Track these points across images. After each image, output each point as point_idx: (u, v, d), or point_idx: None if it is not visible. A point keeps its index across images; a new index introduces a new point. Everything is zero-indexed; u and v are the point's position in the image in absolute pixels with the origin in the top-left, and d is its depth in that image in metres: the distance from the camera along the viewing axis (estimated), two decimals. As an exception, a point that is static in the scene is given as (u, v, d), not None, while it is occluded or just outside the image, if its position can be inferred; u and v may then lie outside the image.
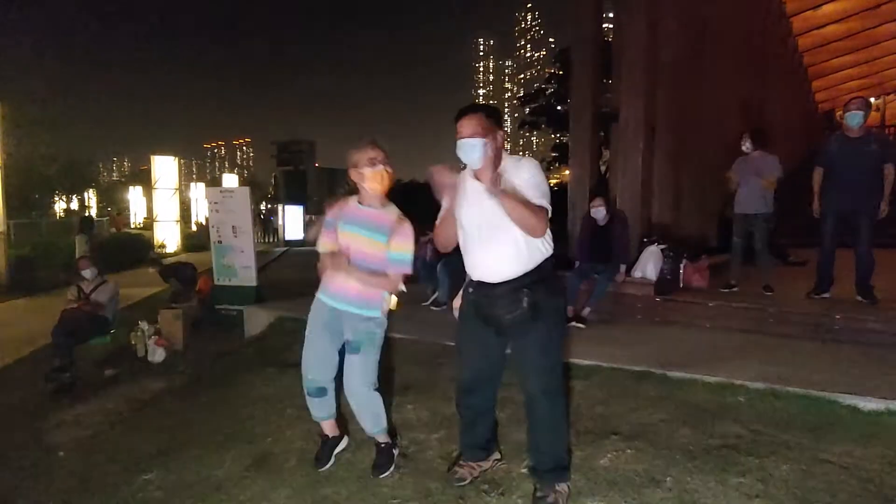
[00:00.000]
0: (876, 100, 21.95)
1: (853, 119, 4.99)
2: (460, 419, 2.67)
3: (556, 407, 2.42)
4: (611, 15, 7.98)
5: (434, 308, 6.21)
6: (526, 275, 2.31)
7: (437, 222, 2.50)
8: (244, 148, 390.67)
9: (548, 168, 18.05)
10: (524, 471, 2.66)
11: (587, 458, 2.79)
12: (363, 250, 2.66)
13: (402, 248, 2.68)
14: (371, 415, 2.79)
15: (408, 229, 2.70)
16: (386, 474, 2.75)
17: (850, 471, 2.63)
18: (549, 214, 2.29)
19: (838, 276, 5.36)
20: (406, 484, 2.68)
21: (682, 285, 5.92)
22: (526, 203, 2.18)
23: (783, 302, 5.37)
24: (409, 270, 2.71)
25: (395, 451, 2.88)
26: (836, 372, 3.82)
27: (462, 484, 2.58)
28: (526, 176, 2.26)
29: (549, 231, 2.36)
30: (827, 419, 3.18)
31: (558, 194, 8.11)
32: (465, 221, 2.39)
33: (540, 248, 2.34)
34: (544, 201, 2.25)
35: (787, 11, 13.39)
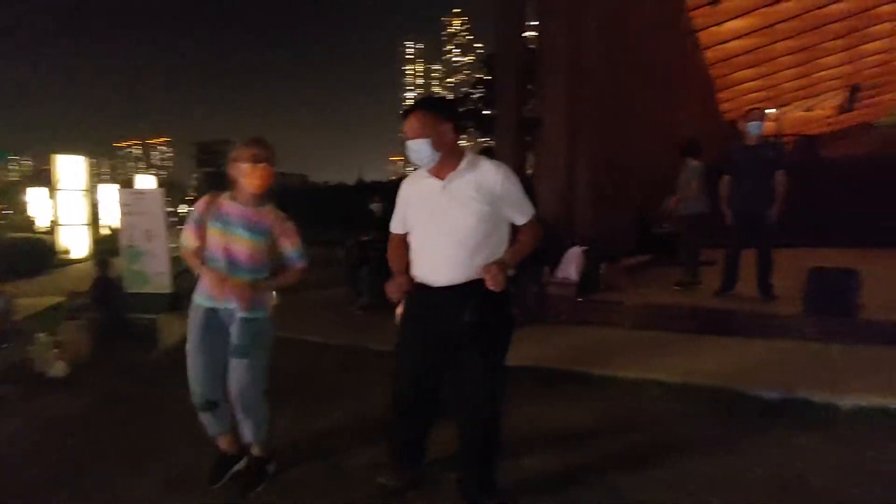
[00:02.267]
0: (774, 111, 23.81)
1: (753, 128, 5.40)
2: (393, 427, 2.59)
3: (494, 428, 2.33)
4: (534, 22, 8.18)
5: (359, 312, 6.14)
6: (473, 282, 2.17)
7: (389, 244, 2.46)
8: (161, 148, 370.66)
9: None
10: (454, 475, 2.65)
11: (514, 459, 2.82)
12: (245, 252, 2.55)
13: (297, 244, 2.67)
14: (254, 423, 2.67)
15: (291, 226, 2.67)
16: (256, 491, 2.63)
17: (759, 458, 2.81)
18: (535, 213, 2.28)
19: (742, 275, 5.74)
20: (334, 494, 2.61)
21: (602, 286, 6.15)
22: (528, 243, 2.25)
23: (695, 300, 5.69)
24: (299, 264, 2.69)
25: (270, 469, 2.76)
26: (741, 365, 4.09)
27: (391, 492, 2.53)
28: (510, 192, 2.18)
29: (505, 239, 2.27)
30: (736, 411, 3.39)
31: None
32: (415, 220, 2.31)
33: (484, 256, 2.19)
34: (531, 212, 2.25)
35: (694, 26, 14.25)
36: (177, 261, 7.08)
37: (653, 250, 8.28)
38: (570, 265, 5.84)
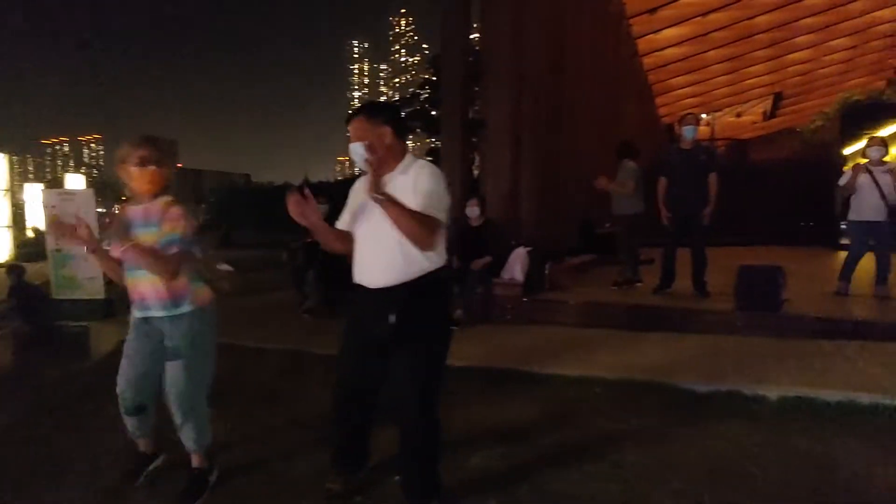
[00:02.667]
0: (707, 116, 24.97)
1: (688, 132, 5.67)
2: (335, 431, 2.56)
3: (431, 430, 2.32)
4: (478, 25, 8.27)
5: (305, 316, 6.04)
6: (402, 285, 2.20)
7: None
8: (93, 145, 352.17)
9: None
10: (398, 479, 2.64)
11: (458, 460, 2.83)
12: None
13: (172, 229, 2.44)
14: (195, 428, 2.57)
15: (176, 212, 2.47)
16: (198, 502, 2.54)
17: (692, 448, 2.94)
18: (443, 226, 2.22)
19: (679, 273, 5.99)
20: (281, 502, 2.55)
21: (547, 285, 6.28)
22: (413, 214, 2.09)
23: (634, 298, 5.90)
24: (176, 249, 2.44)
25: (212, 479, 2.67)
26: (676, 360, 4.27)
27: (337, 497, 2.49)
28: (422, 185, 2.17)
29: (441, 242, 2.27)
30: (670, 404, 3.53)
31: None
32: (355, 223, 2.34)
33: (418, 259, 2.20)
34: (438, 212, 2.18)
35: (633, 33, 14.76)
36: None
37: (596, 250, 8.52)
38: (516, 266, 5.94)
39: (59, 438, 3.42)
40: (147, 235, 2.46)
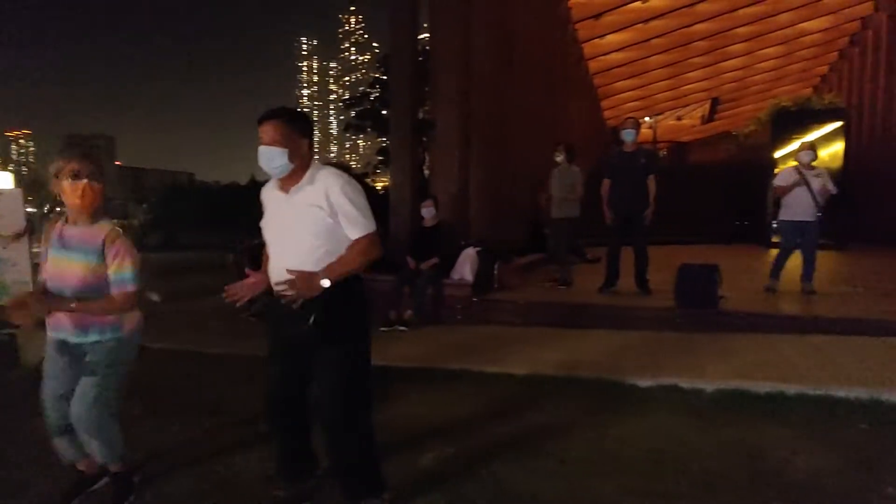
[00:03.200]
0: (649, 119, 25.88)
1: (627, 135, 5.86)
2: (272, 437, 2.51)
3: (354, 431, 2.27)
4: (427, 25, 8.29)
5: (252, 319, 5.90)
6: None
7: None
8: (22, 141, 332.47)
9: (374, 171, 18.18)
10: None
11: (409, 461, 2.84)
12: (77, 275, 2.35)
13: (121, 267, 2.39)
14: (104, 443, 2.47)
15: (123, 246, 2.40)
16: None
17: (635, 442, 3.04)
18: (374, 230, 2.21)
19: (623, 272, 6.18)
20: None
21: (497, 285, 6.35)
22: (355, 256, 2.16)
23: (581, 296, 6.05)
24: (132, 288, 2.41)
25: (136, 479, 2.62)
26: (620, 356, 4.41)
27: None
28: (342, 204, 2.13)
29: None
30: (614, 400, 3.64)
31: (384, 198, 8.24)
32: (266, 232, 2.30)
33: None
34: (369, 225, 2.17)
35: (579, 38, 15.14)
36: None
37: (545, 249, 8.68)
38: (465, 266, 5.99)
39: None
40: (80, 262, 2.35)
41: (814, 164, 6.11)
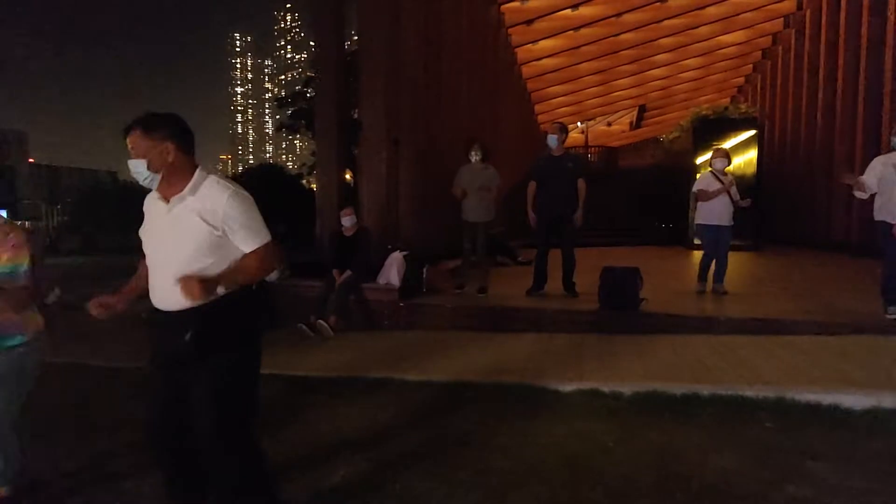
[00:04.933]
0: (581, 124, 26.61)
1: (552, 140, 5.91)
2: (155, 459, 2.26)
3: (234, 453, 2.09)
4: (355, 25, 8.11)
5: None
6: (199, 306, 1.97)
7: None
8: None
9: (310, 172, 17.73)
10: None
11: (320, 478, 2.70)
12: None
13: (12, 260, 2.28)
14: (1, 458, 2.34)
15: (17, 239, 2.30)
16: None
17: (554, 449, 3.00)
18: (269, 240, 2.09)
19: (551, 275, 6.22)
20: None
21: (424, 289, 6.25)
22: (248, 266, 2.05)
23: (508, 300, 6.03)
24: (23, 281, 2.31)
25: None
26: (544, 360, 4.40)
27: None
28: (230, 217, 1.99)
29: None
30: (536, 405, 3.61)
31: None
32: (146, 244, 2.12)
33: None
34: (262, 236, 2.06)
35: (512, 42, 15.32)
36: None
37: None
38: (392, 270, 5.86)
39: None
40: None
41: (727, 170, 6.38)
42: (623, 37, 16.28)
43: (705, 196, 6.23)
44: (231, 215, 2.00)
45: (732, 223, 6.22)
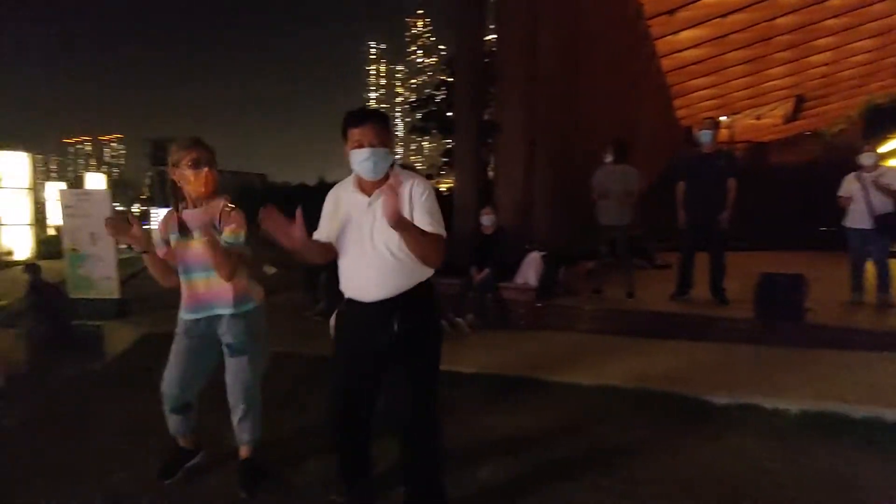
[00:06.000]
0: (726, 119, 24.62)
1: (705, 136, 5.55)
2: (335, 442, 2.47)
3: (430, 436, 2.28)
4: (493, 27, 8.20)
5: (317, 318, 6.01)
6: (400, 296, 2.13)
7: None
8: (113, 145, 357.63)
9: (438, 172, 18.30)
10: (404, 490, 2.57)
11: (466, 472, 2.77)
12: (198, 254, 2.56)
13: (234, 231, 2.56)
14: (254, 419, 2.72)
15: (237, 217, 2.57)
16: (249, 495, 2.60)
17: (707, 465, 2.84)
18: (445, 235, 2.15)
19: (697, 280, 5.86)
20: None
21: (561, 290, 6.19)
22: (427, 239, 2.03)
23: (650, 304, 5.78)
24: (242, 250, 2.60)
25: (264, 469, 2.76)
26: (692, 369, 4.16)
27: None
28: (421, 201, 2.09)
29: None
30: (686, 417, 3.43)
31: (447, 200, 8.23)
32: (343, 237, 2.21)
33: (414, 270, 2.15)
34: (441, 229, 2.11)
35: (651, 35, 14.58)
36: (125, 264, 6.82)
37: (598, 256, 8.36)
38: (530, 270, 5.87)
39: (67, 442, 3.41)
40: (200, 242, 2.53)
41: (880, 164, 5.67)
42: (778, 21, 14.80)
43: (844, 202, 5.74)
44: (427, 197, 2.10)
45: (877, 226, 5.48)
